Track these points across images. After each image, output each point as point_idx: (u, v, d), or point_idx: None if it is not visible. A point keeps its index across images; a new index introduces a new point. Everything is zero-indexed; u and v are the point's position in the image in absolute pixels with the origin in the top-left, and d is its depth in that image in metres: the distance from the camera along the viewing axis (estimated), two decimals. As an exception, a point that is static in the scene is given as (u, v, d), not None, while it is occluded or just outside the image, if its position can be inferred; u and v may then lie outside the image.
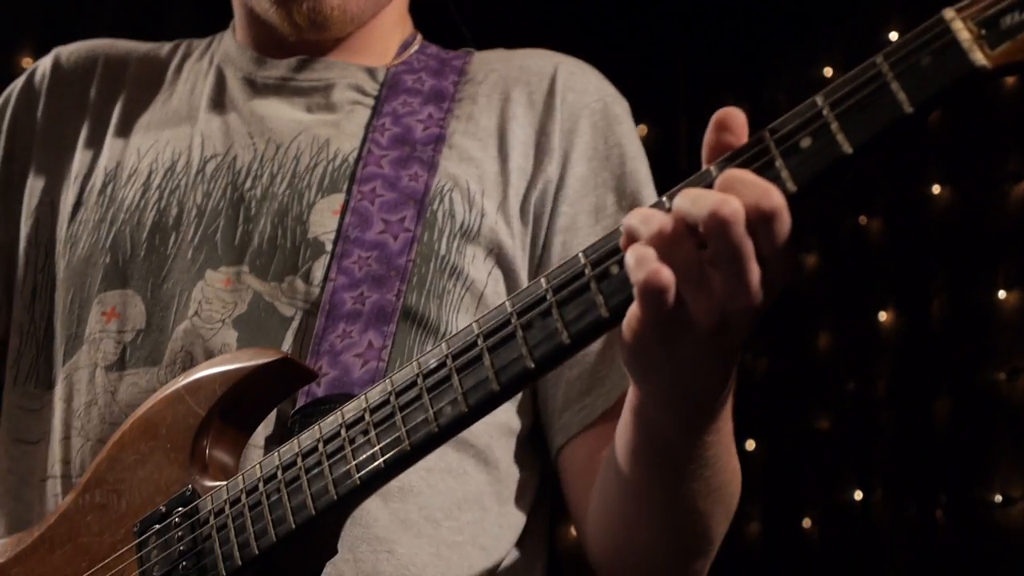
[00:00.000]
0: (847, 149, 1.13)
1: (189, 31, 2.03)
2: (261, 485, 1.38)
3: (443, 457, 1.62)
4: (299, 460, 1.36)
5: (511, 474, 1.70)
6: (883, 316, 4.17)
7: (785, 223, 1.15)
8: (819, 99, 1.15)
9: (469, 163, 1.73)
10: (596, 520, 1.61)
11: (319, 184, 1.69)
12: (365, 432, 1.33)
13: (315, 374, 1.50)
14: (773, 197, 1.14)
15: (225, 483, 1.41)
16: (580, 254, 1.23)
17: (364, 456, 1.32)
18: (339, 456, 1.33)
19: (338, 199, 1.68)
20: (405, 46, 1.89)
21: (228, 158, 1.74)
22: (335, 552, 1.42)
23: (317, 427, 1.37)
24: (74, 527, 1.50)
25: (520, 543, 1.70)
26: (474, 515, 1.64)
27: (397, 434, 1.30)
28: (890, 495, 4.08)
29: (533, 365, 1.24)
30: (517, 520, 1.69)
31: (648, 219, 1.18)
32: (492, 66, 1.85)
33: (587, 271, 1.22)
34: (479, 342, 1.27)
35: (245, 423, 1.49)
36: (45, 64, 1.93)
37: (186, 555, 1.40)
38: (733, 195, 1.14)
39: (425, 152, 1.72)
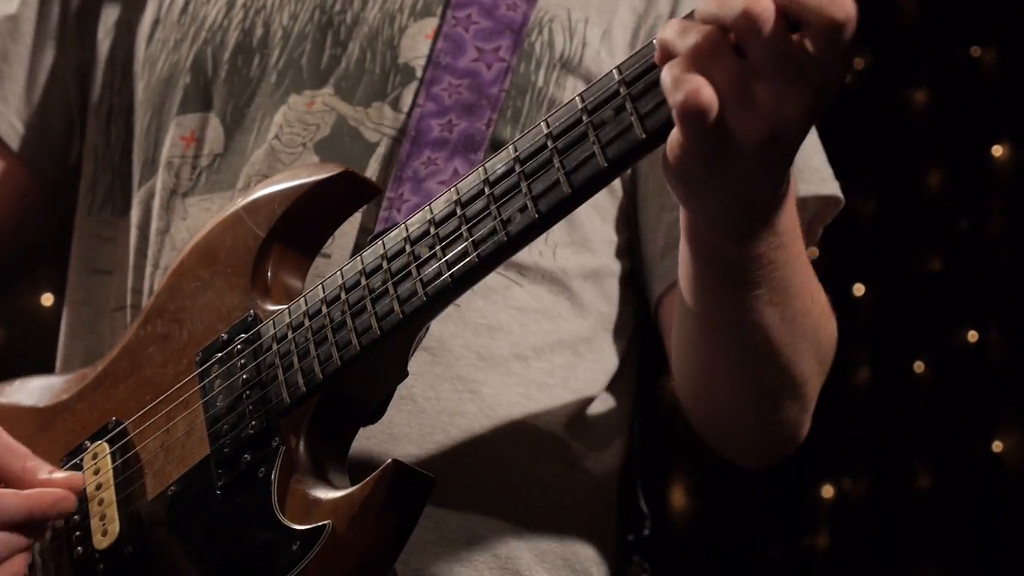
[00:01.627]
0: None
1: None
2: (324, 307, 1.31)
3: (537, 298, 1.56)
4: (363, 279, 1.29)
5: (606, 321, 1.62)
6: (997, 150, 4.02)
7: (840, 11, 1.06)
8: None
9: None
10: (679, 367, 1.54)
11: (412, 8, 1.61)
12: (431, 246, 1.25)
13: (379, 189, 1.43)
14: None
15: (287, 307, 1.34)
16: (615, 70, 1.16)
17: (430, 271, 1.25)
18: (404, 273, 1.26)
19: (431, 23, 1.60)
20: None
21: None
22: (405, 375, 1.35)
23: (380, 243, 1.29)
24: (136, 360, 1.45)
25: (610, 392, 1.62)
26: (566, 359, 1.57)
27: (464, 246, 1.23)
28: (1006, 335, 3.95)
29: (570, 190, 1.18)
30: (610, 367, 1.62)
31: (684, 31, 1.10)
32: None
33: (622, 90, 1.15)
34: (548, 143, 1.20)
35: (308, 243, 1.42)
36: None
37: (249, 383, 1.34)
38: None
39: None
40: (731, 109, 1.09)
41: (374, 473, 1.23)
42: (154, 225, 1.61)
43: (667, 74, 1.10)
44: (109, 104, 1.73)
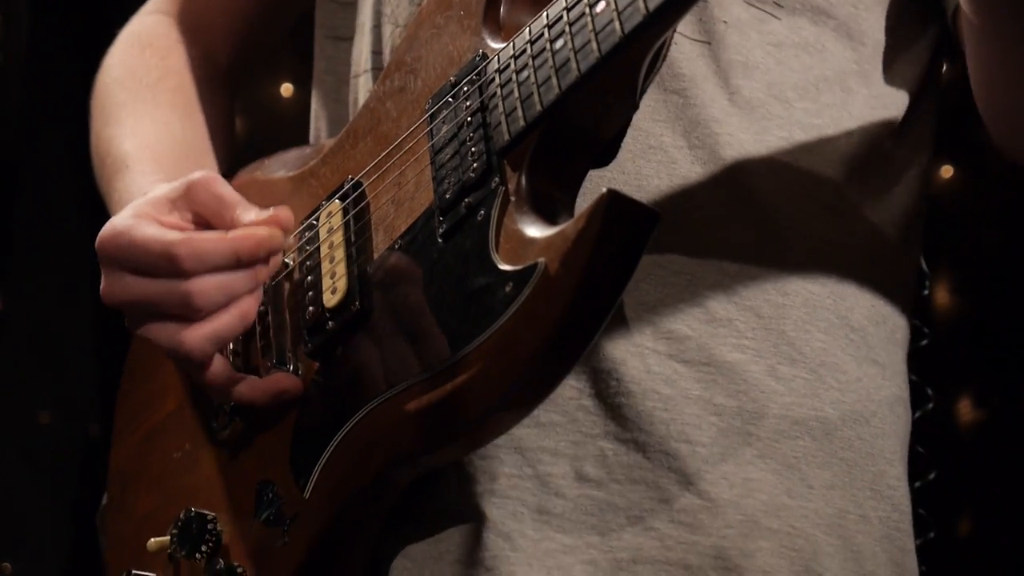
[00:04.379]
0: None
1: None
2: (545, 32, 1.20)
3: (796, 30, 1.40)
4: None
5: (886, 49, 1.44)
6: None
7: None
8: None
9: None
10: (975, 84, 1.35)
11: None
12: None
13: None
14: None
15: (512, 40, 1.24)
16: None
17: None
18: None
19: None
20: None
21: None
22: (635, 107, 1.22)
23: None
24: (375, 116, 1.39)
25: (896, 132, 1.43)
26: (835, 97, 1.40)
27: None
28: None
29: None
30: (891, 102, 1.44)
31: None
32: None
33: None
34: None
35: None
36: None
37: (473, 125, 1.25)
38: None
39: None
40: None
41: (588, 205, 1.12)
42: None
43: None
44: None
